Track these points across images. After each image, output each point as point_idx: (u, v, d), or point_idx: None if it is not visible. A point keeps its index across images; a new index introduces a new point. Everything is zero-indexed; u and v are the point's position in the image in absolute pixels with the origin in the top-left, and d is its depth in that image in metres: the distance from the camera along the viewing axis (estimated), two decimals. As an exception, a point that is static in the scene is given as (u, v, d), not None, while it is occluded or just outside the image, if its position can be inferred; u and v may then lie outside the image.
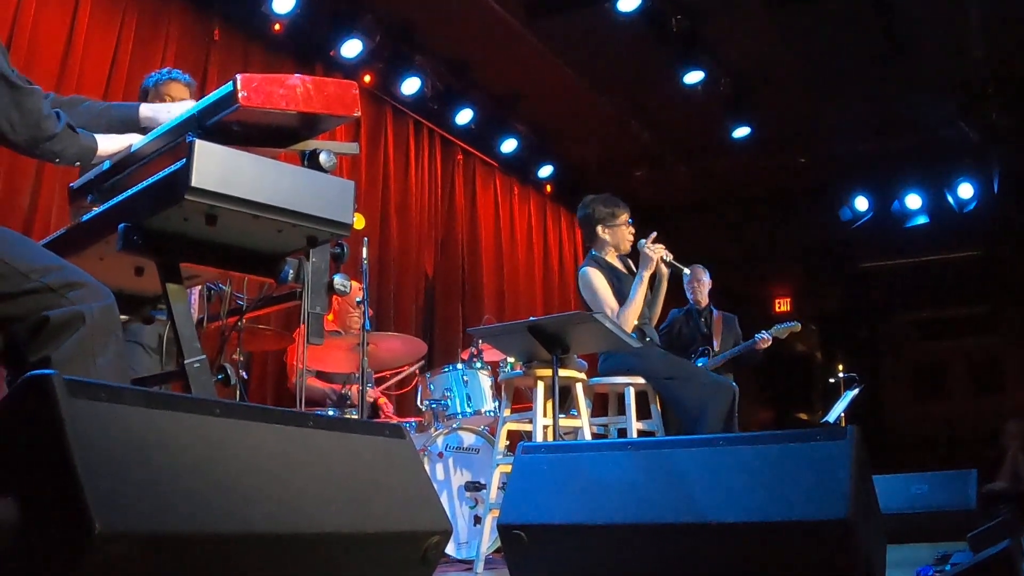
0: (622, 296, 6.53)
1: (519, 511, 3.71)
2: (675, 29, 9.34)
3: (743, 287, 14.85)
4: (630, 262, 6.91)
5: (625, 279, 6.68)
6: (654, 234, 6.62)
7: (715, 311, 9.01)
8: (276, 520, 2.24)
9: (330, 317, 7.64)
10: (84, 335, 2.98)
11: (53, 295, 2.99)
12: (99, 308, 3.05)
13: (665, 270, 6.70)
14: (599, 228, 6.77)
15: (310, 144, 3.26)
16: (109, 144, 3.56)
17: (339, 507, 2.45)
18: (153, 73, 5.21)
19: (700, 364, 8.38)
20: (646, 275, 6.44)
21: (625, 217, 6.81)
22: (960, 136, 11.49)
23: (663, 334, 8.51)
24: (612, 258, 6.78)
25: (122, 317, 4.00)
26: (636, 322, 6.48)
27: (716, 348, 8.61)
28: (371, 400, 7.37)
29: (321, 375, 7.47)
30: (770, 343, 8.36)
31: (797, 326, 8.51)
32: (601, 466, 3.67)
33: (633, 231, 6.83)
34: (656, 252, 6.47)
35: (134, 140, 3.62)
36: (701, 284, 9.13)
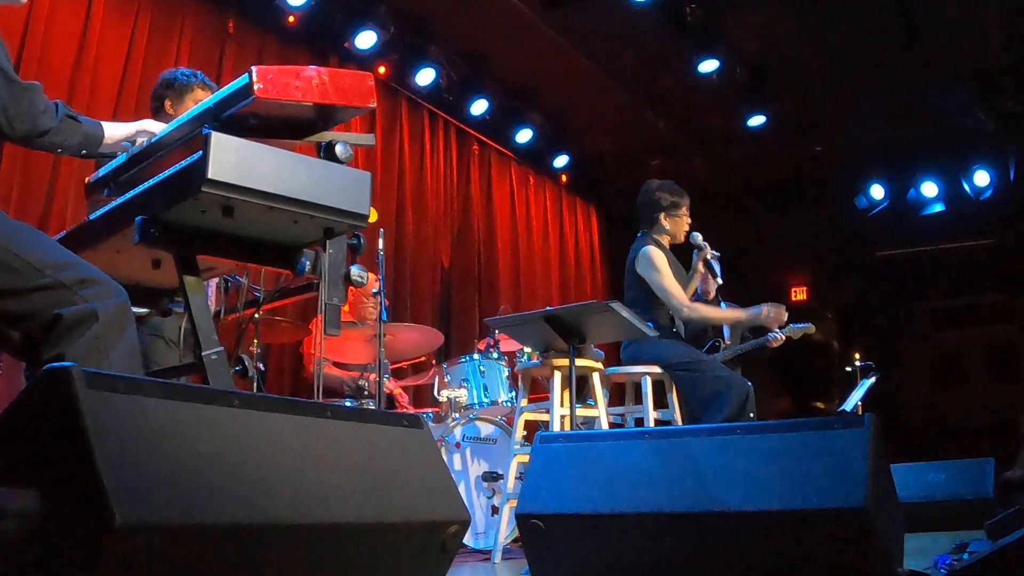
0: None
1: (537, 501, 3.72)
2: (690, 18, 9.32)
3: (759, 276, 14.82)
4: None
5: (677, 268, 6.77)
6: (700, 236, 6.75)
7: (723, 304, 8.95)
8: (295, 511, 2.25)
9: (345, 308, 7.65)
10: (97, 332, 2.98)
11: (66, 292, 3.00)
12: (113, 305, 3.05)
13: (702, 269, 6.78)
14: (662, 215, 6.83)
15: (326, 136, 3.26)
16: (116, 131, 3.56)
17: (358, 497, 2.45)
18: (179, 70, 5.19)
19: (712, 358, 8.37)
20: (742, 317, 6.83)
21: (686, 208, 6.92)
22: (976, 124, 11.44)
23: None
24: (666, 243, 6.85)
25: (143, 311, 4.02)
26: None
27: (727, 341, 8.57)
28: (387, 392, 7.38)
29: (338, 364, 7.48)
30: (782, 342, 8.34)
31: (811, 328, 8.45)
32: (618, 455, 3.68)
33: (690, 221, 6.91)
34: (704, 254, 6.65)
35: (146, 126, 3.62)
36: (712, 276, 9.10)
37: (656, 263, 6.63)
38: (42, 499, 1.93)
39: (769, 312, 6.68)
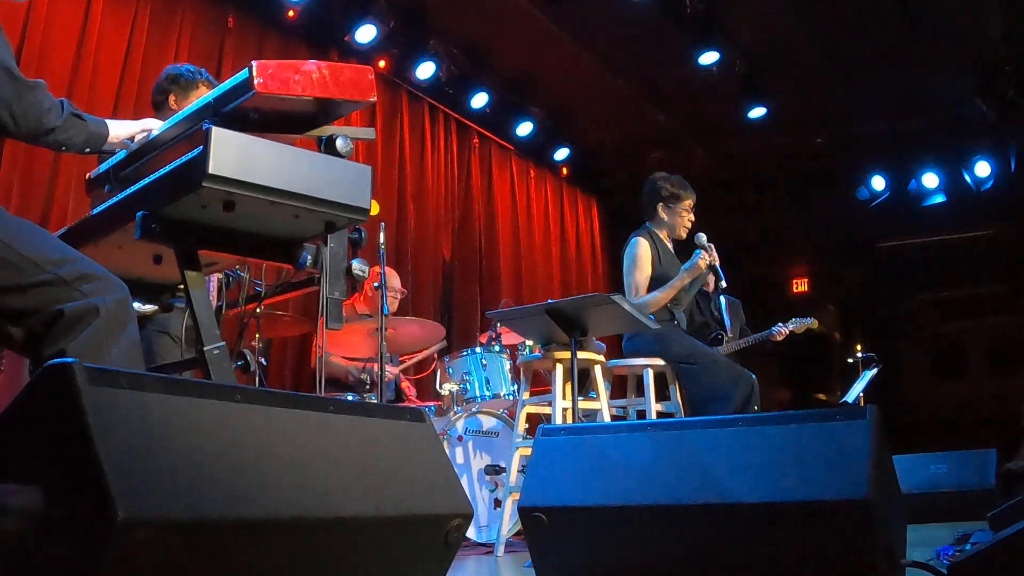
0: (661, 275, 6.54)
1: (539, 494, 3.71)
2: (690, 10, 9.31)
3: (760, 268, 14.83)
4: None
5: (669, 259, 6.68)
6: (704, 237, 6.63)
7: (723, 296, 8.92)
8: (297, 505, 2.25)
9: (357, 301, 7.69)
10: (98, 327, 2.99)
11: (67, 287, 3.00)
12: (113, 301, 3.05)
13: (704, 268, 6.70)
14: (660, 206, 6.76)
15: (326, 130, 3.27)
16: (121, 129, 3.55)
17: (360, 491, 2.45)
18: (184, 66, 5.18)
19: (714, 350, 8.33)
20: (686, 279, 6.47)
21: (688, 204, 6.80)
22: (977, 114, 11.43)
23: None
24: (665, 236, 6.78)
25: (149, 309, 4.02)
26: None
27: (729, 334, 8.57)
28: (390, 377, 7.38)
29: (347, 357, 7.47)
30: (785, 336, 8.32)
31: (814, 322, 8.46)
32: (621, 448, 3.67)
33: (693, 219, 6.83)
34: (705, 260, 6.48)
35: (150, 124, 3.61)
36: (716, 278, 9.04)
37: (635, 255, 6.57)
38: (44, 495, 1.93)
39: (703, 263, 6.53)
